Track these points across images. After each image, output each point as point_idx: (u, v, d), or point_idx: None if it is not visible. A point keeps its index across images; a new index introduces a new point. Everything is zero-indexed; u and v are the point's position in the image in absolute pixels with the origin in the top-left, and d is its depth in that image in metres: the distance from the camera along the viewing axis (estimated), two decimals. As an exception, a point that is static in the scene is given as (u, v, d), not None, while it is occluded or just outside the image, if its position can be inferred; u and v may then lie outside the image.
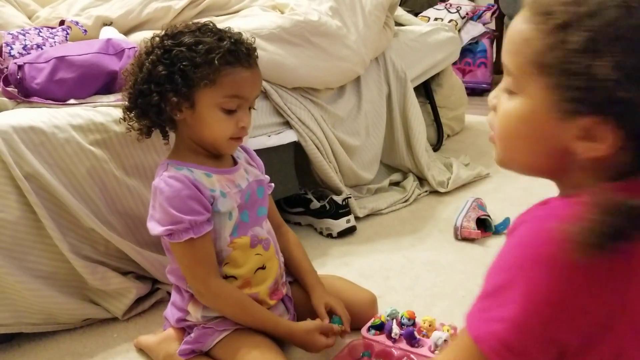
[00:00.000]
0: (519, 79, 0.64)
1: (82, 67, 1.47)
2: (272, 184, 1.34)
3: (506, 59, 0.66)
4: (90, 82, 1.49)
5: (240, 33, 1.18)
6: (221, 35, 1.13)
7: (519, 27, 0.64)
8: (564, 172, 0.66)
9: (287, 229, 1.38)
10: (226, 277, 1.18)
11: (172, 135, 1.24)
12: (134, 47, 1.56)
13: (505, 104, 0.67)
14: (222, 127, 1.13)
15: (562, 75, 0.60)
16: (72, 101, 1.45)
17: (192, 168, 1.14)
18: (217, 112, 1.11)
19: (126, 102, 1.16)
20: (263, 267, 1.22)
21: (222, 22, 1.80)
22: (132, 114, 1.16)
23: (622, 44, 0.57)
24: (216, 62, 1.08)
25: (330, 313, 1.23)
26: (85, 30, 1.79)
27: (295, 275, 1.33)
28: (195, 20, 1.20)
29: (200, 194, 1.11)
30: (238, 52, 1.11)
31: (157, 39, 1.13)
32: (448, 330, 1.20)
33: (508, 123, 0.67)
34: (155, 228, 1.11)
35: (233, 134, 1.14)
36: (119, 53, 1.52)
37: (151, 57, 1.11)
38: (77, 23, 1.79)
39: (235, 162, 1.24)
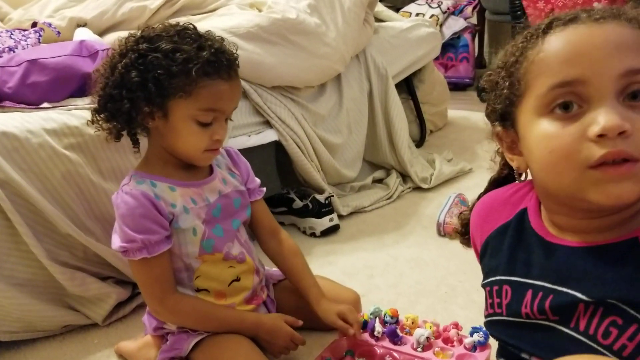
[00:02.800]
0: None
1: (55, 70, 1.44)
2: (264, 189, 1.30)
3: None
4: (64, 85, 1.47)
5: (222, 39, 1.11)
6: (201, 42, 1.06)
7: (637, 32, 0.66)
8: None
9: (284, 236, 1.30)
10: (198, 290, 1.15)
11: (144, 141, 1.18)
12: (108, 49, 1.52)
13: None
14: (196, 139, 1.08)
15: None
16: (45, 105, 1.42)
17: (156, 181, 1.10)
18: (191, 124, 1.06)
19: (95, 104, 1.10)
20: (238, 279, 1.19)
21: (198, 22, 1.79)
22: (101, 117, 1.10)
23: None
24: (193, 73, 1.02)
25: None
26: (59, 32, 1.76)
27: (296, 287, 1.26)
28: (174, 21, 1.14)
29: (157, 212, 1.07)
30: (218, 63, 1.05)
31: (132, 40, 1.06)
32: (430, 328, 1.19)
33: None
34: (114, 243, 1.09)
35: (207, 146, 1.09)
36: (93, 55, 1.50)
37: (124, 60, 1.04)
38: (50, 25, 1.76)
39: (211, 171, 1.19)
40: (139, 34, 1.08)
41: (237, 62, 1.11)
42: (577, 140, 0.64)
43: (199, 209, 1.13)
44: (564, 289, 0.70)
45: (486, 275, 0.85)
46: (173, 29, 1.07)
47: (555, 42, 0.68)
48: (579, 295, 0.68)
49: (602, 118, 0.62)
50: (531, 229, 0.77)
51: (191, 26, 1.10)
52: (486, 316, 0.83)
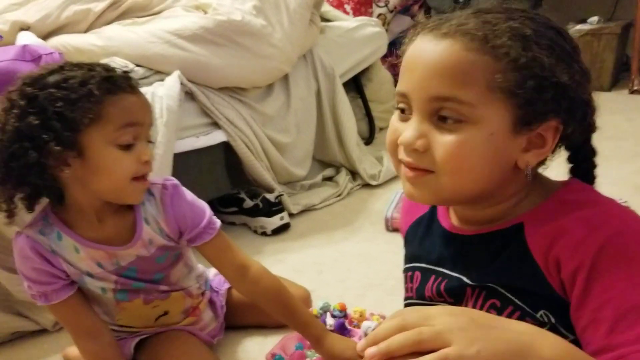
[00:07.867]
0: (477, 107, 0.66)
1: (-3, 75, 1.42)
2: (216, 224, 1.12)
3: (455, 91, 0.66)
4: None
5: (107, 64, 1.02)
6: (90, 66, 0.96)
7: (460, 56, 0.66)
8: (503, 185, 0.71)
9: (257, 273, 1.12)
10: (122, 326, 1.14)
11: None
12: (52, 53, 1.52)
13: (454, 137, 0.67)
14: (123, 166, 0.95)
15: (521, 92, 0.65)
16: (-13, 110, 1.40)
17: (64, 234, 1.00)
18: (113, 150, 0.94)
19: None
20: (165, 314, 1.17)
21: (143, 24, 1.79)
22: (6, 188, 0.93)
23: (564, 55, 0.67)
24: (96, 92, 0.91)
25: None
26: (1, 36, 1.73)
27: (293, 328, 1.15)
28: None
29: (51, 265, 1.00)
30: (115, 78, 0.95)
31: (14, 93, 0.92)
32: (377, 320, 1.23)
33: (466, 154, 0.67)
34: None
35: (136, 172, 0.97)
36: (36, 59, 1.48)
37: (14, 111, 0.90)
38: (-9, 29, 1.73)
39: (135, 233, 1.04)
40: (18, 85, 0.93)
41: (132, 76, 1.01)
42: (396, 141, 0.72)
43: (106, 274, 1.06)
44: (455, 274, 0.77)
45: (405, 262, 0.91)
46: (52, 66, 0.96)
47: (407, 51, 0.73)
48: (465, 279, 0.75)
49: (404, 132, 0.70)
50: (437, 221, 0.83)
51: (68, 62, 0.99)
52: (404, 300, 0.89)
